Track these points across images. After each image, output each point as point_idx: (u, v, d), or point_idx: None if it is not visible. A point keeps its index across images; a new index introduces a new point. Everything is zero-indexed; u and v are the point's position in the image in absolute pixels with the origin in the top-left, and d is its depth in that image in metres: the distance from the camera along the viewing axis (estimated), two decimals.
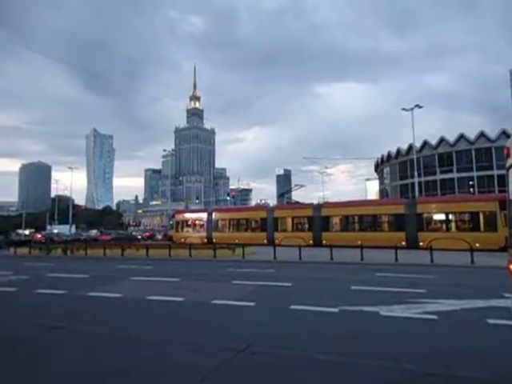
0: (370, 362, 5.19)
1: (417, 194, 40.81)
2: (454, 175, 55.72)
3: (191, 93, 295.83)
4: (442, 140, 57.36)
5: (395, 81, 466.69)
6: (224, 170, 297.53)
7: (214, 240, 33.45)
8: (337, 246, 22.09)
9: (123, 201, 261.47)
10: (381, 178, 73.58)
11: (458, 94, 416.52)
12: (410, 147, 52.40)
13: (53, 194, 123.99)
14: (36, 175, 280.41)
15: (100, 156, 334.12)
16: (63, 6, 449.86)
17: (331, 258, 19.20)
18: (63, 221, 76.18)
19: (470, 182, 53.66)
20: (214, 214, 36.83)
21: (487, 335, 6.51)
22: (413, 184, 44.65)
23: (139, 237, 58.10)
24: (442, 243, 23.16)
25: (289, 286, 11.91)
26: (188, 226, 38.10)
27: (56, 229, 71.77)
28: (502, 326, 6.80)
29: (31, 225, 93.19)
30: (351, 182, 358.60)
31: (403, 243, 24.62)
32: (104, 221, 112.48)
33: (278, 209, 34.90)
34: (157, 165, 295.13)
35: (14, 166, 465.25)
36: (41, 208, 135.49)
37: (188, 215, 40.33)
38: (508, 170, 4.53)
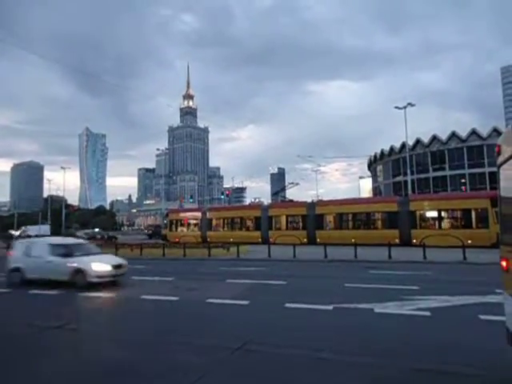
0: (365, 360, 5.23)
1: (410, 191, 41.01)
2: (447, 173, 56.09)
3: (184, 91, 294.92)
4: (434, 138, 57.70)
5: (388, 79, 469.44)
6: (218, 168, 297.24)
7: (208, 239, 33.36)
8: (331, 244, 22.16)
9: (117, 200, 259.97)
10: (374, 176, 73.82)
11: (451, 92, 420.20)
12: (403, 145, 52.64)
13: (45, 194, 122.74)
14: (28, 175, 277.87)
15: (93, 155, 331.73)
16: (55, 5, 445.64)
17: (325, 256, 19.26)
18: (56, 221, 75.50)
19: (462, 180, 54.04)
20: (208, 213, 36.74)
21: (479, 331, 6.59)
22: (406, 182, 44.85)
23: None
24: (434, 240, 23.34)
25: (283, 284, 11.94)
26: (182, 225, 37.96)
27: (32, 230, 70.86)
28: (494, 322, 6.87)
29: (23, 225, 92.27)
30: (345, 180, 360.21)
31: (396, 240, 24.76)
32: (97, 221, 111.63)
33: (272, 207, 34.86)
34: (150, 164, 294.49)
35: (5, 165, 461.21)
36: (33, 208, 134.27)
37: (182, 214, 40.17)
38: (499, 167, 4.57)
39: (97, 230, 64.25)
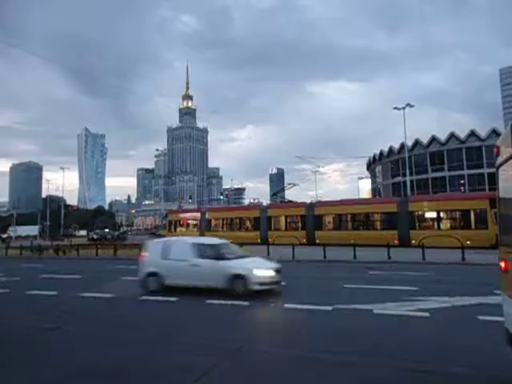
0: (364, 360, 5.23)
1: (409, 192, 41.07)
2: (446, 174, 56.20)
3: (184, 92, 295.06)
4: (433, 139, 57.83)
5: (388, 80, 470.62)
6: (217, 169, 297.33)
7: None
8: (330, 245, 22.17)
9: (116, 201, 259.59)
10: (373, 177, 73.94)
11: (450, 93, 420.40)
12: (402, 146, 52.77)
13: (44, 195, 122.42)
14: (27, 175, 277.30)
15: (92, 155, 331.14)
16: (55, 6, 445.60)
17: (324, 257, 19.27)
18: (55, 221, 75.40)
19: (461, 181, 54.12)
20: (207, 214, 36.75)
21: (478, 332, 6.59)
22: (405, 182, 44.95)
23: None
24: (433, 241, 23.34)
25: (282, 285, 11.92)
26: (181, 225, 37.96)
27: (22, 230, 71.03)
28: (493, 323, 6.88)
29: (23, 225, 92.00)
30: (344, 181, 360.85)
31: (395, 241, 24.78)
32: (96, 221, 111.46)
33: (271, 208, 34.88)
34: (149, 164, 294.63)
35: (4, 166, 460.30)
36: (32, 208, 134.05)
37: (181, 215, 40.19)
38: (497, 168, 4.58)
39: (106, 230, 65.57)
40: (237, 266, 10.01)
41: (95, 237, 50.70)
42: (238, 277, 9.71)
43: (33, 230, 74.94)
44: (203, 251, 10.47)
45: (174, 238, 13.44)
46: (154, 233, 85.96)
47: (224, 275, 9.81)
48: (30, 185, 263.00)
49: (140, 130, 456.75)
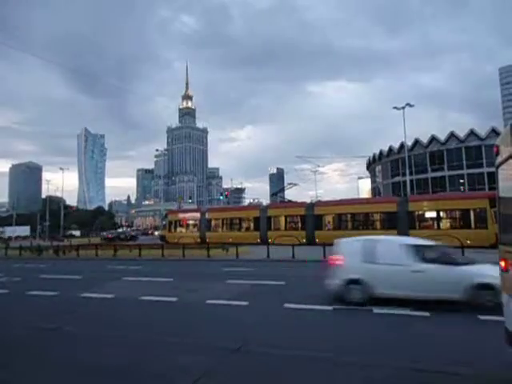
0: (364, 359, 5.23)
1: (408, 192, 41.08)
2: (445, 173, 56.17)
3: (183, 92, 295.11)
4: (432, 138, 57.80)
5: (388, 80, 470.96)
6: (217, 169, 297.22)
7: (207, 240, 33.32)
8: (330, 245, 22.06)
9: (115, 201, 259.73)
10: (373, 177, 73.89)
11: (449, 93, 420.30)
12: (402, 146, 52.76)
13: (44, 195, 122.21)
14: (27, 176, 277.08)
15: (92, 156, 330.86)
16: (55, 6, 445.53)
17: (324, 256, 19.24)
18: (54, 221, 75.32)
19: (461, 180, 54.10)
20: (207, 214, 36.74)
21: (479, 331, 6.60)
22: (404, 182, 44.99)
23: None
24: (433, 241, 23.32)
25: (282, 285, 11.95)
26: (181, 225, 37.95)
27: (12, 231, 70.90)
28: (493, 322, 6.88)
29: (23, 226, 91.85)
30: (344, 181, 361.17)
31: None
32: (96, 221, 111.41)
33: (270, 208, 34.87)
34: (149, 165, 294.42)
35: (4, 166, 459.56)
36: (32, 209, 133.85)
37: (181, 215, 40.17)
38: (497, 167, 4.59)
39: (120, 230, 67.12)
40: (482, 273, 8.17)
41: (110, 236, 54.10)
42: (485, 287, 7.81)
43: (24, 230, 74.64)
44: (423, 254, 8.72)
45: (374, 237, 10.71)
46: (146, 233, 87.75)
47: (463, 284, 8.05)
48: (30, 185, 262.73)
49: (140, 131, 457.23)
